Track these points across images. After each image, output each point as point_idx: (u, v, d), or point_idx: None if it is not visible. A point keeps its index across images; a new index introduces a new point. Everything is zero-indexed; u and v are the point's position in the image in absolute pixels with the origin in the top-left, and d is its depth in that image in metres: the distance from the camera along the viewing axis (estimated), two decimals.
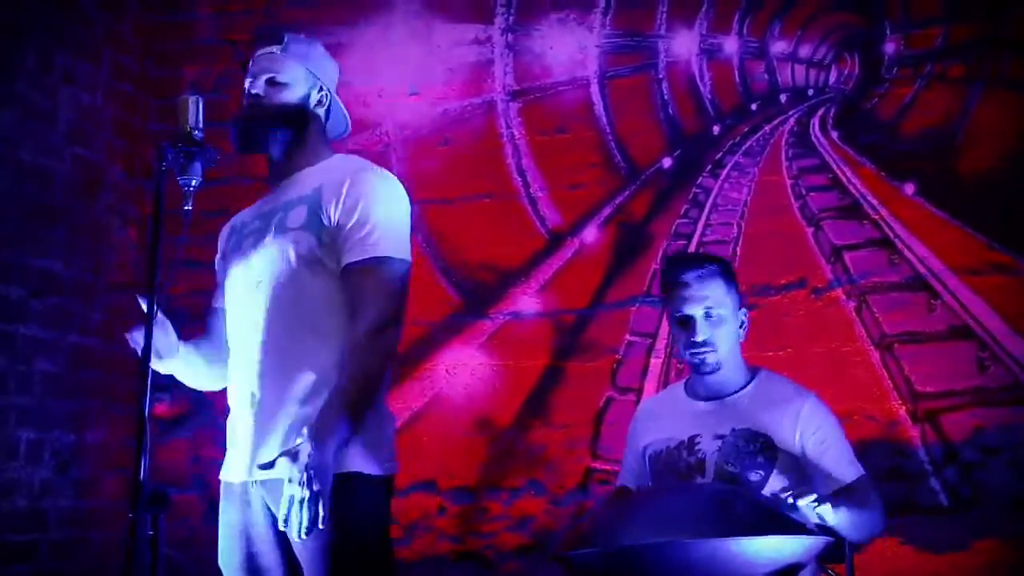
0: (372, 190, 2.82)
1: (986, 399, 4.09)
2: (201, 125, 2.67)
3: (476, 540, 4.43)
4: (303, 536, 2.54)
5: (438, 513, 4.43)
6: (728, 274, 3.16)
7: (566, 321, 4.51)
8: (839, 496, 2.88)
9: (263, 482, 2.77)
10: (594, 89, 4.66)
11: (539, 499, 4.40)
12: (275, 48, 2.97)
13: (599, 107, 4.64)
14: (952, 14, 4.38)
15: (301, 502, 2.53)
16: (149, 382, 2.49)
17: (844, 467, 3.01)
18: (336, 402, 2.63)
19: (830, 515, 2.75)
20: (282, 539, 2.78)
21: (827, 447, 3.01)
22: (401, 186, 2.91)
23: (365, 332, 2.69)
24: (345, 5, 4.82)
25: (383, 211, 2.80)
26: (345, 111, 3.10)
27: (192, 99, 2.68)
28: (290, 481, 2.55)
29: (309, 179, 2.90)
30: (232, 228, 3.04)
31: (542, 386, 4.48)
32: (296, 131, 2.94)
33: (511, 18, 4.75)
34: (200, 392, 4.59)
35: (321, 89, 3.00)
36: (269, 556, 2.80)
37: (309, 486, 2.53)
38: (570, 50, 4.70)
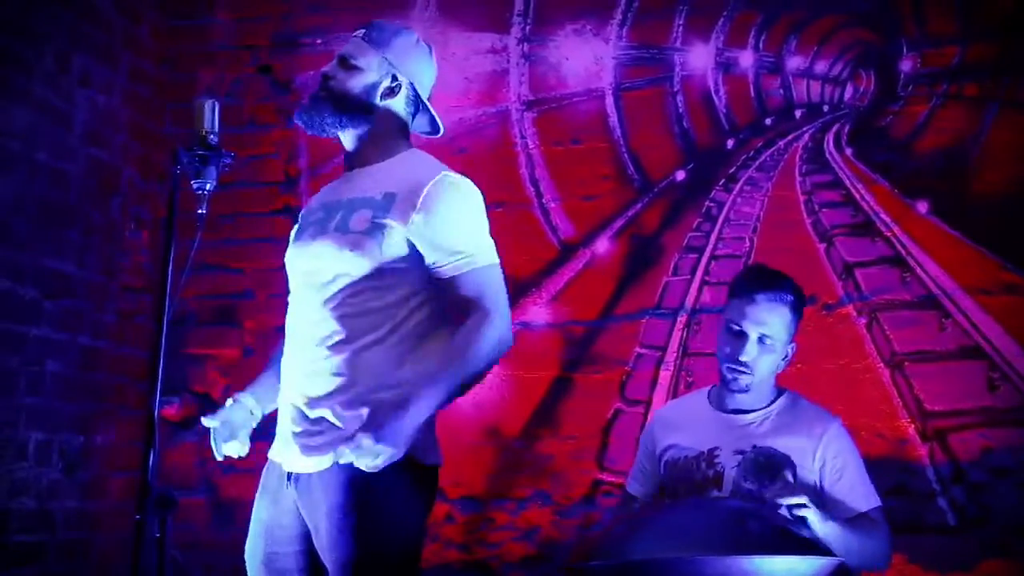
0: (458, 199, 2.82)
1: (995, 419, 4.09)
2: (216, 129, 2.68)
3: (482, 549, 4.42)
4: (363, 464, 2.58)
5: (445, 521, 4.42)
6: (796, 308, 3.14)
7: (576, 332, 4.51)
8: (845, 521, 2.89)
9: (296, 484, 2.77)
10: (609, 101, 4.66)
11: (545, 510, 4.40)
12: (360, 32, 2.96)
13: (613, 119, 4.64)
14: (968, 34, 4.38)
15: (372, 451, 2.56)
16: (159, 385, 2.49)
17: (858, 495, 3.00)
18: (437, 380, 2.66)
19: (816, 523, 2.74)
20: (306, 544, 2.78)
21: (843, 474, 3.01)
22: (475, 187, 2.90)
23: (488, 332, 2.71)
24: (361, 12, 4.80)
25: (474, 217, 2.83)
26: (436, 113, 3.01)
27: (208, 103, 2.69)
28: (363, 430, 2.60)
29: (377, 177, 2.85)
30: (306, 210, 3.02)
31: (551, 397, 4.48)
32: (360, 121, 2.89)
33: (527, 28, 4.76)
34: (208, 396, 4.63)
35: (395, 79, 2.92)
36: (290, 558, 2.80)
37: (380, 441, 2.57)
38: (585, 61, 4.70)
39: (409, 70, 2.95)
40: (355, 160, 2.93)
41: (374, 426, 2.58)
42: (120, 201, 4.64)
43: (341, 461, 2.58)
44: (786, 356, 3.15)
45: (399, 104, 2.94)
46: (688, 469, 3.09)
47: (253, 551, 2.87)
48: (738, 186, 4.52)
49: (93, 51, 4.52)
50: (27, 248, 4.12)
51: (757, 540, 2.52)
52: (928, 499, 4.10)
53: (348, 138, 2.93)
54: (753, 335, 3.07)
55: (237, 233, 4.60)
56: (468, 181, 2.87)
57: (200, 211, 2.66)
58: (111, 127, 4.62)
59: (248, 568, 2.87)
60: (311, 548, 2.76)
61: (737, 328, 3.09)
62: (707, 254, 4.46)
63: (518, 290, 4.57)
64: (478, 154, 4.69)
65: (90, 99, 4.49)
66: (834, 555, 2.64)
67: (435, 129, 3.06)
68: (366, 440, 2.55)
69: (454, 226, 2.77)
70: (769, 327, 3.07)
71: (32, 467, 4.12)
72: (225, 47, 4.95)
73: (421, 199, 2.76)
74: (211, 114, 2.67)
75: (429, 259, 2.76)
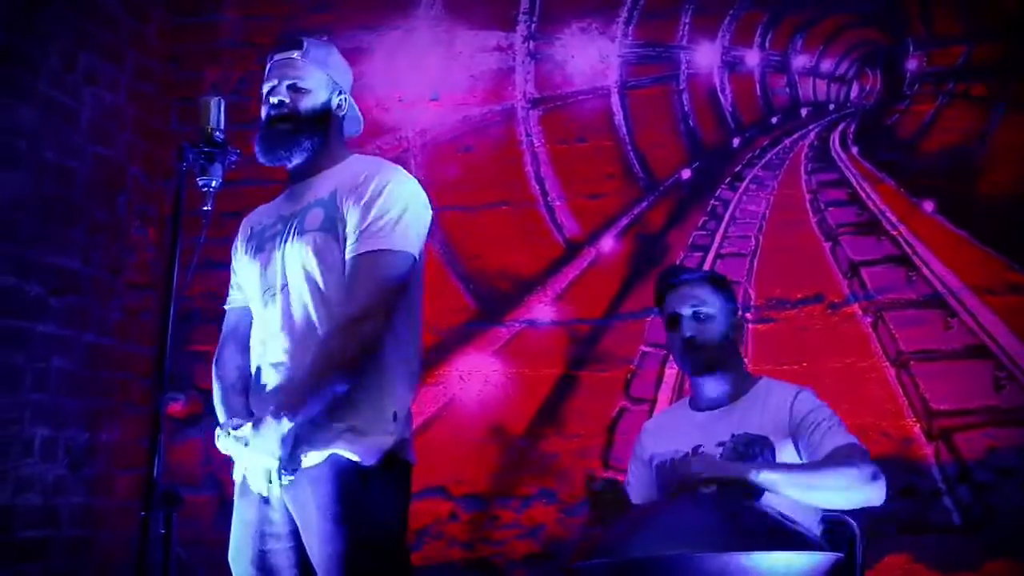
0: (386, 185, 2.82)
1: (1001, 419, 4.08)
2: (222, 126, 2.68)
3: (486, 547, 4.42)
4: (283, 482, 2.67)
5: (449, 519, 4.43)
6: (717, 281, 3.25)
7: (581, 330, 4.51)
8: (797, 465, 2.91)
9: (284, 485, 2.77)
10: (614, 99, 4.66)
11: (550, 508, 4.40)
12: (295, 53, 2.95)
13: (619, 117, 4.64)
14: (975, 34, 4.37)
15: (267, 475, 2.66)
16: (164, 382, 2.49)
17: (829, 438, 2.97)
18: (306, 383, 2.66)
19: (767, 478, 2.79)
20: (296, 540, 2.78)
21: (814, 428, 3.00)
22: (416, 183, 2.91)
23: (346, 318, 2.69)
24: (367, 10, 4.83)
25: (395, 205, 2.80)
26: (359, 113, 3.10)
27: (213, 100, 2.69)
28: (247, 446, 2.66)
29: (326, 181, 2.90)
30: (251, 230, 3.03)
31: (556, 395, 4.48)
32: (320, 140, 2.93)
33: (533, 26, 4.76)
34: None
35: (340, 93, 3.00)
36: (282, 556, 2.81)
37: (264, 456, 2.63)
38: (591, 59, 4.70)
39: (345, 83, 3.04)
40: (303, 173, 2.96)
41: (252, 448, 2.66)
42: (126, 198, 4.65)
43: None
44: (740, 327, 3.26)
45: (341, 115, 3.02)
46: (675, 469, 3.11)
47: (239, 552, 2.86)
48: (744, 185, 4.51)
49: (99, 50, 4.52)
50: (33, 245, 4.13)
51: (754, 535, 2.52)
52: (933, 498, 4.09)
53: (301, 155, 2.95)
54: (687, 311, 3.17)
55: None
56: (406, 172, 2.92)
57: (205, 208, 2.66)
58: (117, 125, 4.62)
59: (234, 570, 2.87)
60: (301, 544, 2.77)
61: (671, 314, 3.20)
62: (712, 252, 4.46)
63: (523, 288, 4.58)
64: (483, 152, 4.69)
65: (96, 97, 4.49)
66: (831, 550, 2.64)
67: (356, 129, 3.14)
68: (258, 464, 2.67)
69: (375, 207, 2.78)
70: (697, 298, 3.17)
71: (38, 463, 4.13)
72: (231, 45, 4.96)
73: (360, 183, 2.82)
74: (216, 111, 2.67)
75: (351, 232, 2.78)
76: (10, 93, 4.04)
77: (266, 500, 2.82)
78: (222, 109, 2.69)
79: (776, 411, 3.07)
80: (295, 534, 2.78)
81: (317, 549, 2.70)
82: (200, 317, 4.63)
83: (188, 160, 2.65)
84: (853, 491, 2.87)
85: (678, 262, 4.44)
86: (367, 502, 2.68)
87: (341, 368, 2.67)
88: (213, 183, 2.67)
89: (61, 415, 4.25)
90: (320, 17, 4.82)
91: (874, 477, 2.90)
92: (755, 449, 3.00)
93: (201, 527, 4.42)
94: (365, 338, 2.69)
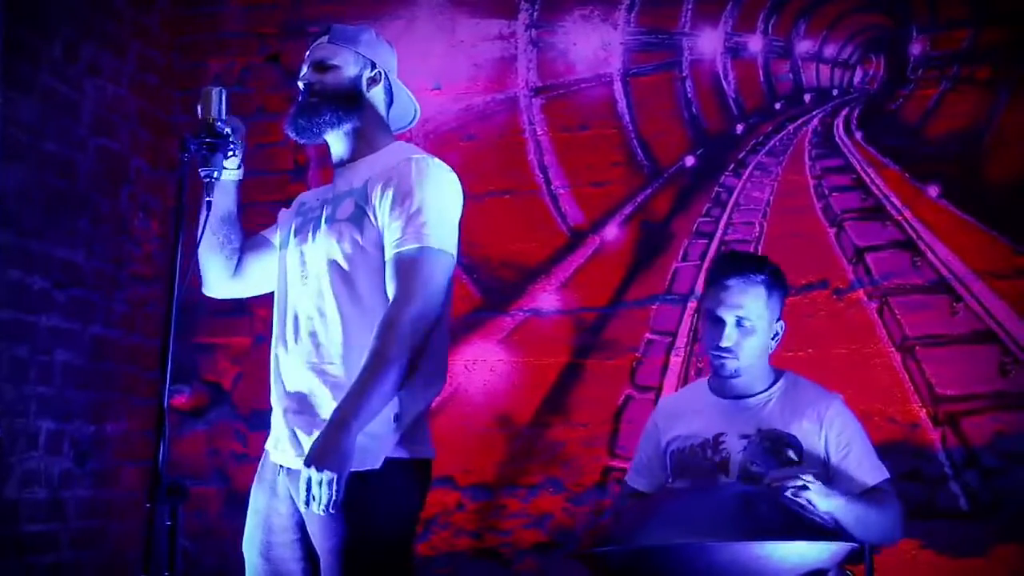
0: (423, 177, 2.78)
1: (1008, 403, 4.07)
2: (224, 116, 2.67)
3: (494, 537, 4.43)
4: (321, 512, 2.56)
5: (456, 509, 4.43)
6: (773, 286, 3.13)
7: (586, 319, 4.51)
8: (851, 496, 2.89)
9: (288, 474, 2.78)
10: (617, 86, 4.65)
11: (557, 497, 4.40)
12: (323, 39, 2.95)
13: (622, 104, 4.63)
14: (979, 17, 4.35)
15: (319, 483, 2.55)
16: (169, 374, 2.49)
17: (865, 469, 3.01)
18: (360, 387, 2.62)
19: (820, 501, 2.76)
20: (302, 530, 2.79)
21: (849, 450, 3.02)
22: (454, 175, 2.87)
23: (402, 319, 2.66)
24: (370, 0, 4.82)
25: (433, 200, 2.77)
26: (413, 97, 3.04)
27: (216, 90, 2.68)
28: (307, 465, 2.58)
29: (363, 169, 2.87)
30: (300, 205, 3.01)
31: (561, 383, 4.48)
32: (351, 116, 2.89)
33: (535, 14, 4.74)
34: (219, 385, 4.63)
35: (374, 68, 2.94)
36: (286, 546, 2.82)
37: (324, 468, 2.55)
38: (594, 47, 4.68)
39: (381, 60, 2.97)
40: (344, 157, 2.93)
41: (312, 458, 2.58)
42: (129, 190, 4.64)
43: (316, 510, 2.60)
44: (775, 336, 3.16)
45: (380, 94, 2.96)
46: (695, 456, 3.10)
47: (251, 541, 2.88)
48: (747, 171, 4.50)
49: (102, 40, 4.51)
50: (36, 238, 4.12)
51: (768, 525, 2.51)
52: (940, 484, 4.09)
53: (337, 137, 2.92)
54: (730, 320, 3.08)
55: (246, 221, 4.59)
56: (443, 165, 2.87)
57: (208, 199, 2.65)
58: (120, 116, 4.62)
59: (246, 558, 2.89)
60: (307, 536, 2.77)
61: (715, 315, 3.11)
62: (717, 239, 4.46)
63: (527, 277, 4.57)
64: (486, 141, 4.68)
65: (99, 88, 4.49)
66: (845, 540, 2.63)
67: (410, 116, 3.09)
68: (313, 474, 2.57)
69: (409, 202, 2.75)
70: (745, 309, 3.08)
71: (43, 457, 4.13)
72: (234, 35, 4.95)
73: (394, 174, 2.78)
74: (219, 101, 2.66)
75: (391, 225, 2.75)
76: (11, 85, 4.03)
77: (274, 489, 2.82)
78: (224, 99, 2.68)
79: (807, 415, 3.06)
80: (301, 526, 2.79)
81: (319, 542, 2.72)
82: (204, 309, 4.63)
83: (190, 151, 2.64)
84: (881, 538, 2.92)
85: (727, 249, 4.41)
86: (367, 499, 2.67)
87: (398, 377, 2.65)
88: (215, 174, 2.66)
89: (66, 408, 4.25)
90: (322, 7, 4.81)
91: (899, 529, 2.99)
92: (781, 447, 2.98)
93: (207, 519, 4.43)
94: (418, 341, 2.68)
